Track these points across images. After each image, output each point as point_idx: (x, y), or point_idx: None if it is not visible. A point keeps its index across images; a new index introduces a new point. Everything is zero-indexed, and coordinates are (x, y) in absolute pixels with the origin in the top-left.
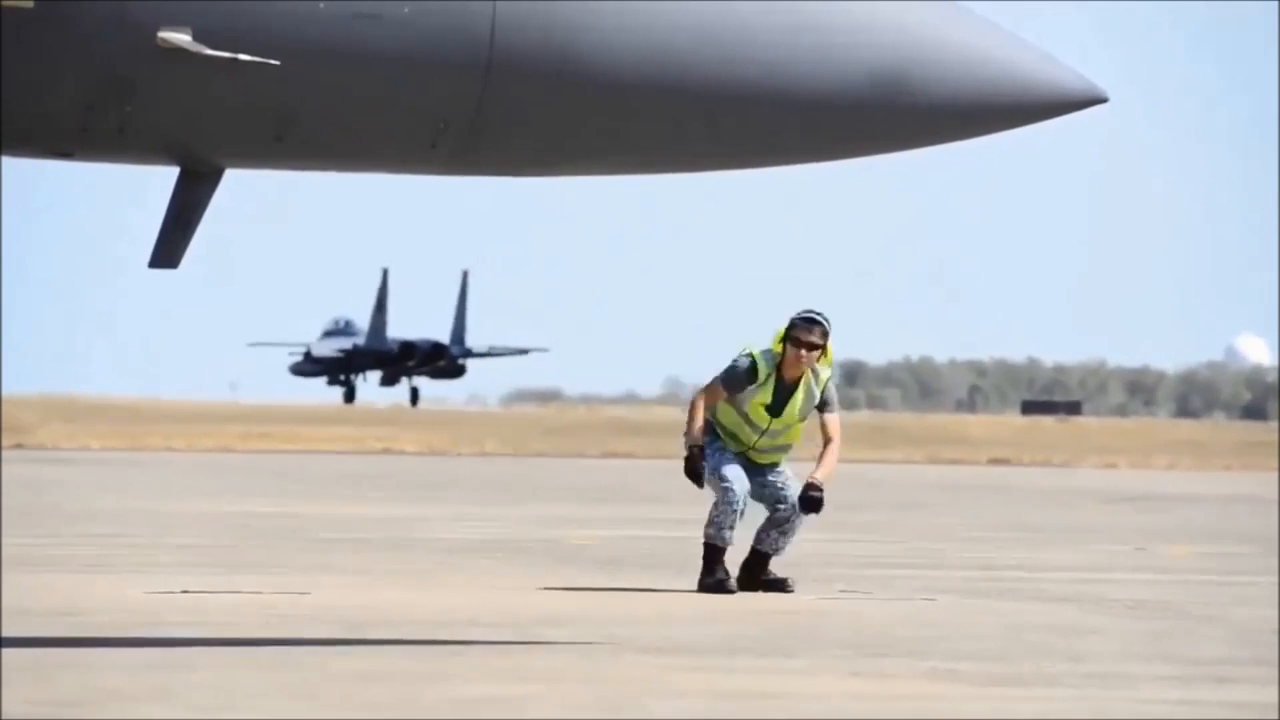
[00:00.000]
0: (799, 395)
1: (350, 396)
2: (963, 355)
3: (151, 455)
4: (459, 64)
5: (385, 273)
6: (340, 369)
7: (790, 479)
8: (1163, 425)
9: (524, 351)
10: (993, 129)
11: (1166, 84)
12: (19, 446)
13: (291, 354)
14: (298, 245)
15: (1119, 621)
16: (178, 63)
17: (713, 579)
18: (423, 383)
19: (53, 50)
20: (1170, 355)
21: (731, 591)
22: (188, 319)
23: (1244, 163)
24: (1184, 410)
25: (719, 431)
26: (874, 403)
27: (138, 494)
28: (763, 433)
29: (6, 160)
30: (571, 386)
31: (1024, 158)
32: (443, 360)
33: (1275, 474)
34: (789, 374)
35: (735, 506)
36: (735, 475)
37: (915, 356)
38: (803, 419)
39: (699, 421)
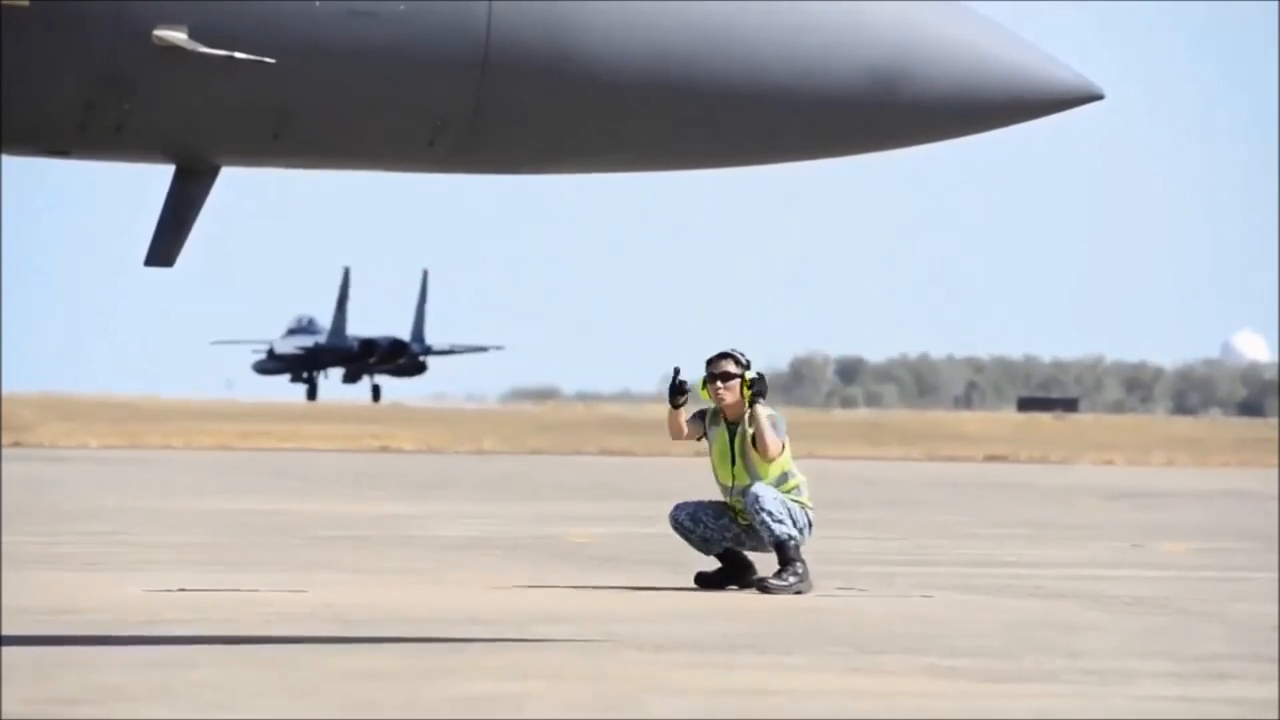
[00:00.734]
0: (740, 434)
1: (312, 394)
2: (960, 352)
3: (150, 453)
4: (456, 62)
5: (346, 271)
6: (302, 366)
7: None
8: (1160, 422)
9: (483, 349)
10: (990, 126)
11: (1164, 81)
12: (17, 445)
13: (255, 351)
14: (263, 244)
15: (1117, 618)
16: (175, 61)
17: (708, 573)
18: (384, 380)
19: (50, 49)
20: (1167, 352)
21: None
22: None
23: (1242, 160)
24: (1181, 407)
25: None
26: (871, 399)
27: (136, 492)
28: (731, 490)
29: (5, 159)
30: (568, 384)
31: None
32: (403, 358)
33: (1273, 470)
34: (727, 414)
35: (686, 539)
36: (675, 518)
37: (913, 353)
38: (759, 476)
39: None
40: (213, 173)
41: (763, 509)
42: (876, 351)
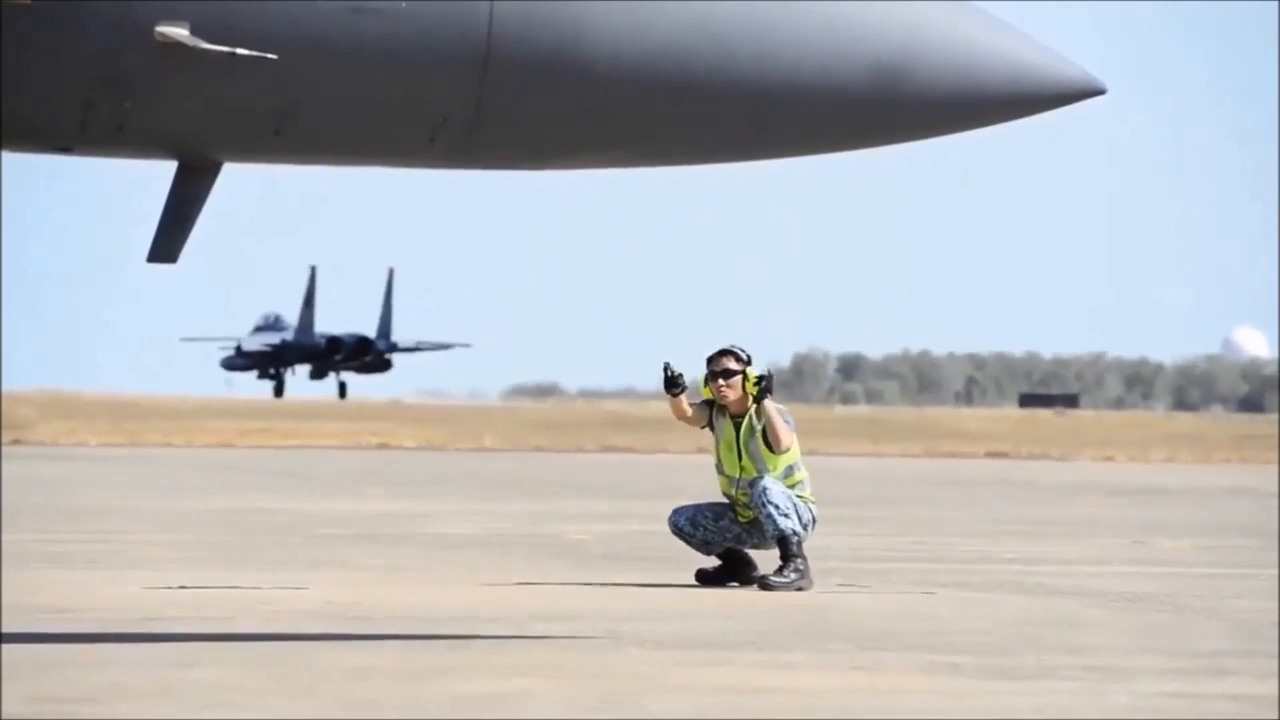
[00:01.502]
0: (745, 426)
1: (279, 390)
2: (961, 348)
3: (151, 451)
4: (457, 59)
5: (313, 270)
6: (269, 363)
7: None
8: (1160, 418)
9: (448, 346)
10: (993, 120)
11: (1164, 77)
12: (18, 442)
13: (222, 348)
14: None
15: (1117, 615)
16: (176, 58)
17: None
18: (350, 377)
19: (52, 46)
20: (1168, 348)
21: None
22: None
23: (1242, 156)
24: (1182, 403)
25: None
26: (872, 396)
27: (136, 490)
28: (737, 481)
29: (6, 156)
30: (570, 380)
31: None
32: (369, 355)
33: (1273, 466)
34: (731, 409)
35: (685, 542)
36: (673, 522)
37: (914, 349)
38: (767, 468)
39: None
40: (215, 169)
41: (770, 501)
42: (877, 348)
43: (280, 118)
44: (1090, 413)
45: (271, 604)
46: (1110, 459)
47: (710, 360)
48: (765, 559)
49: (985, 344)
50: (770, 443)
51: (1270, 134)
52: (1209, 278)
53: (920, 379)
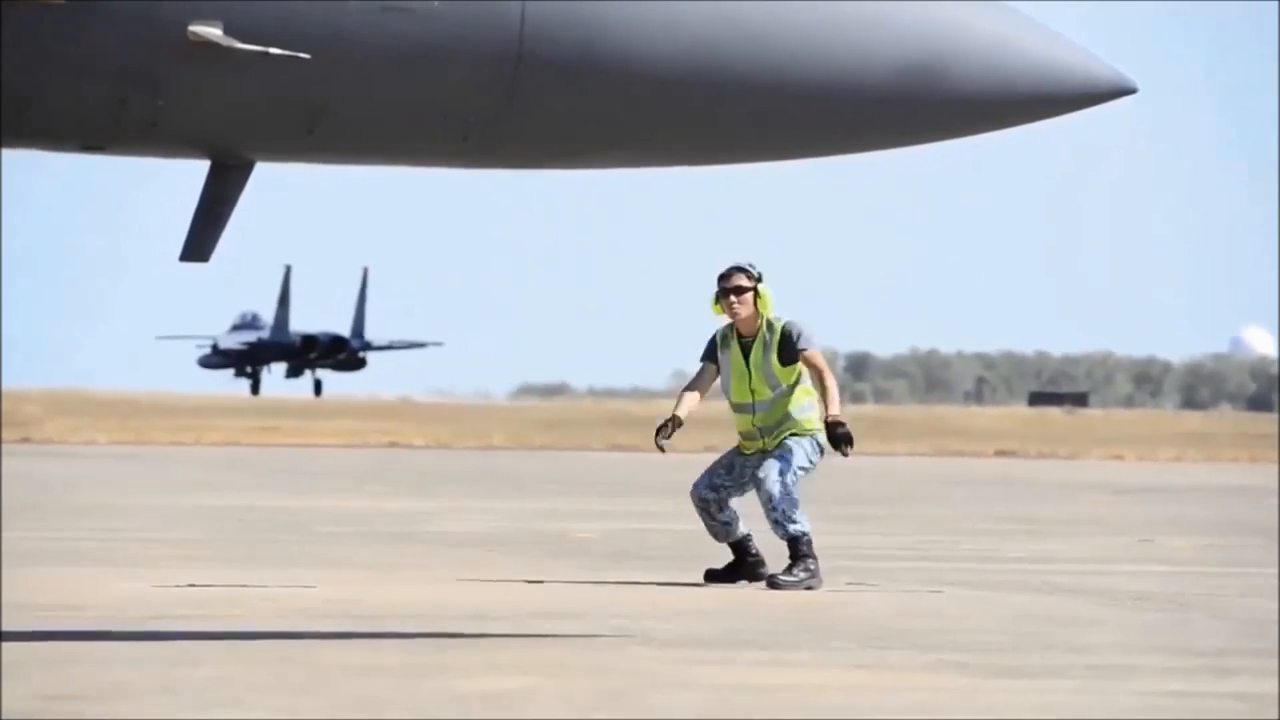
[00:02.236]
0: (756, 347)
1: (256, 388)
2: (970, 347)
3: (158, 450)
4: (489, 56)
5: (288, 269)
6: (245, 361)
7: (771, 469)
8: (1169, 417)
9: (421, 345)
10: (1024, 120)
11: (1172, 77)
12: (25, 440)
13: (199, 346)
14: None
15: (1124, 613)
16: (209, 56)
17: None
18: (326, 375)
19: (84, 44)
20: (1176, 346)
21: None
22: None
23: (1250, 155)
24: (1190, 401)
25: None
26: (881, 395)
27: (143, 488)
28: (753, 406)
29: (11, 153)
30: (579, 379)
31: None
32: (343, 353)
33: None
34: (741, 329)
35: (706, 520)
36: (696, 493)
37: (923, 348)
38: (780, 383)
39: (678, 407)
40: (247, 169)
41: (775, 508)
42: (886, 347)
43: (312, 117)
44: (1099, 411)
45: (276, 602)
46: (1119, 458)
47: (722, 278)
48: (775, 557)
49: (994, 343)
50: (827, 401)
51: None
52: (1217, 276)
53: (929, 378)
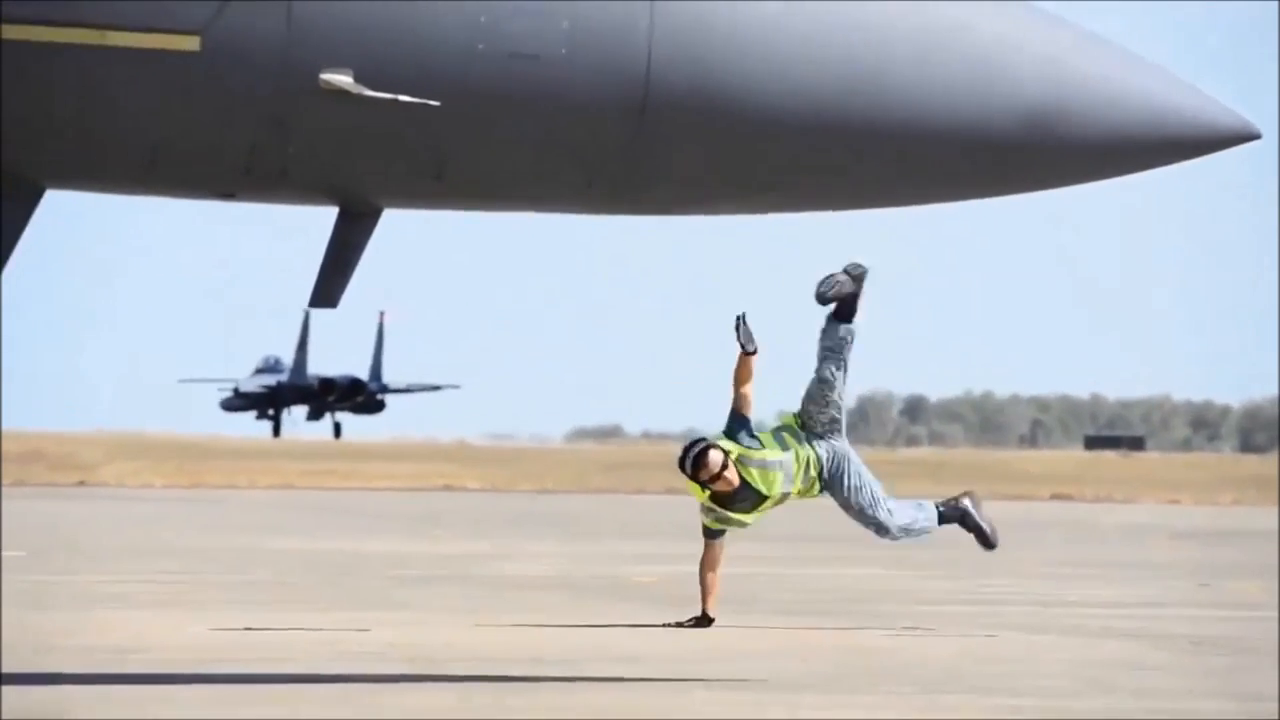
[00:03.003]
0: (757, 479)
1: (277, 430)
2: (1025, 391)
3: (214, 492)
4: (615, 104)
5: (307, 314)
6: (266, 404)
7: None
8: (1227, 460)
9: (437, 388)
10: (1145, 166)
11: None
12: (82, 484)
13: (221, 390)
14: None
15: (1183, 658)
16: (339, 104)
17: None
18: (345, 418)
19: (217, 92)
20: (1234, 390)
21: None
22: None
23: None
24: (1248, 445)
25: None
26: (936, 439)
27: (201, 531)
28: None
29: (73, 195)
30: (632, 423)
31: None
32: (361, 395)
33: None
34: (726, 492)
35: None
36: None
37: (978, 391)
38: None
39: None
40: (375, 215)
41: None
42: (941, 390)
43: (440, 163)
44: (1156, 455)
45: (334, 645)
46: (1176, 501)
47: (693, 471)
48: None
49: (1049, 386)
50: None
51: None
52: (1275, 320)
53: (984, 421)
